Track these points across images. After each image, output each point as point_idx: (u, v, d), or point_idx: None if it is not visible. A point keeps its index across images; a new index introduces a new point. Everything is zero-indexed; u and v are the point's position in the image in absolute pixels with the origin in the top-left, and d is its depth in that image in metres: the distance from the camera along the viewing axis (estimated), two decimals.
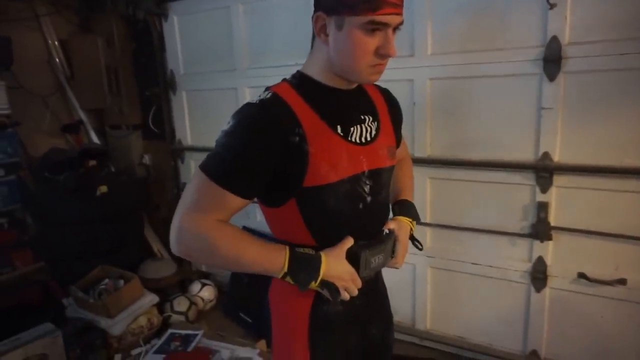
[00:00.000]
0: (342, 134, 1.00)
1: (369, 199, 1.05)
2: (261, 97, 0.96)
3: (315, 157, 0.95)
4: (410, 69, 2.20)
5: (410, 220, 1.21)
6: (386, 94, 1.20)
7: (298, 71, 1.05)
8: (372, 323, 1.17)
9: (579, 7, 1.81)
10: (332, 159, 0.97)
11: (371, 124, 1.07)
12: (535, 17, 1.90)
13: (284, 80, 1.04)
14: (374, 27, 0.90)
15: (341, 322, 1.08)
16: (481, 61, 2.05)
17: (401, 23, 0.94)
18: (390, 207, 1.23)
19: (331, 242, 1.02)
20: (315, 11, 0.97)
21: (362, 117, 1.06)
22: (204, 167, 0.94)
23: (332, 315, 1.07)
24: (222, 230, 0.94)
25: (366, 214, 1.06)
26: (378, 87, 1.19)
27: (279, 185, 0.97)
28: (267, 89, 1.01)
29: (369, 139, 1.05)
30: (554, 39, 1.86)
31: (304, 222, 1.00)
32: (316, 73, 1.02)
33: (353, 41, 0.92)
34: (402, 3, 0.93)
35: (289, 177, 0.96)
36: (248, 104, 0.96)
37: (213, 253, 0.93)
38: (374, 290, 1.17)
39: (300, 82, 1.02)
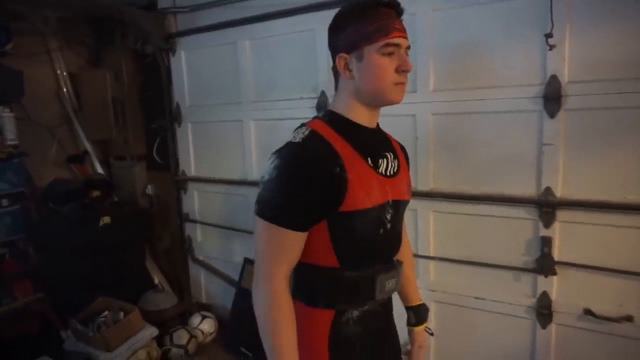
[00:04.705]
0: (372, 165, 1.10)
1: (388, 225, 1.14)
2: (301, 136, 1.05)
3: (353, 184, 1.03)
4: (412, 104, 2.24)
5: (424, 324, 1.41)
6: (402, 146, 1.31)
7: (328, 109, 1.15)
8: (386, 349, 1.23)
9: (577, 48, 1.86)
10: (366, 186, 1.06)
11: (393, 161, 1.17)
12: (534, 56, 1.95)
13: (316, 117, 1.15)
14: (389, 51, 1.04)
15: (360, 343, 1.14)
16: (483, 98, 2.09)
17: (408, 47, 1.08)
18: (405, 310, 1.41)
19: (353, 264, 1.09)
20: (335, 55, 1.10)
21: (385, 154, 1.16)
22: (262, 214, 1.03)
23: (353, 336, 1.12)
24: (283, 317, 1.02)
25: (384, 239, 1.14)
26: (397, 141, 1.30)
27: (320, 209, 1.04)
28: (302, 125, 1.12)
29: (392, 173, 1.16)
30: (554, 77, 1.91)
31: (332, 245, 1.07)
32: (344, 110, 1.12)
33: (375, 65, 1.04)
34: (405, 29, 1.08)
35: (329, 203, 1.03)
36: (291, 145, 1.04)
37: (264, 325, 1.03)
38: (387, 317, 1.24)
39: (332, 118, 1.12)
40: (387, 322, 1.23)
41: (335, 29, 1.10)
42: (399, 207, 1.17)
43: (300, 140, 1.04)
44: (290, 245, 1.03)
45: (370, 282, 1.11)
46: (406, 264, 1.34)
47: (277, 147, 1.07)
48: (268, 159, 1.06)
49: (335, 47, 1.11)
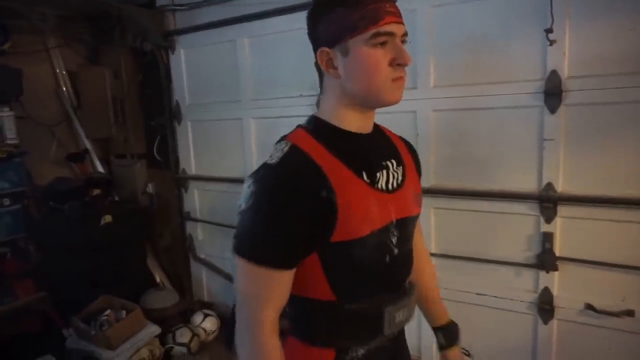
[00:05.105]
0: (368, 181, 0.91)
1: (395, 251, 0.96)
2: (279, 155, 0.88)
3: (344, 209, 0.86)
4: (413, 100, 2.24)
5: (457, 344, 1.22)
6: (409, 145, 1.12)
7: (313, 115, 0.97)
8: None
9: (576, 43, 1.86)
10: (362, 209, 0.89)
11: (396, 169, 0.98)
12: (535, 51, 1.94)
13: (299, 126, 0.96)
14: (381, 40, 0.85)
15: None
16: (483, 94, 2.09)
17: (405, 34, 0.89)
18: (433, 331, 1.23)
19: (352, 297, 0.93)
20: (316, 50, 0.92)
21: (385, 163, 0.97)
22: (240, 251, 0.87)
23: None
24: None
25: (392, 266, 0.97)
26: (401, 137, 1.12)
27: (307, 242, 0.88)
28: (283, 138, 0.94)
29: (395, 185, 0.97)
30: (554, 73, 1.90)
31: (325, 276, 0.91)
32: (330, 115, 0.94)
33: (363, 59, 0.86)
34: (400, 13, 0.89)
35: (316, 233, 0.87)
36: (267, 167, 0.87)
37: None
38: (397, 349, 1.07)
39: (317, 127, 0.94)
40: (397, 355, 1.06)
41: (314, 18, 0.91)
42: (406, 225, 0.99)
43: (278, 160, 0.86)
44: (276, 285, 0.87)
45: (377, 316, 0.94)
46: (426, 277, 1.21)
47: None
48: (245, 182, 0.89)
49: (314, 39, 0.92)
